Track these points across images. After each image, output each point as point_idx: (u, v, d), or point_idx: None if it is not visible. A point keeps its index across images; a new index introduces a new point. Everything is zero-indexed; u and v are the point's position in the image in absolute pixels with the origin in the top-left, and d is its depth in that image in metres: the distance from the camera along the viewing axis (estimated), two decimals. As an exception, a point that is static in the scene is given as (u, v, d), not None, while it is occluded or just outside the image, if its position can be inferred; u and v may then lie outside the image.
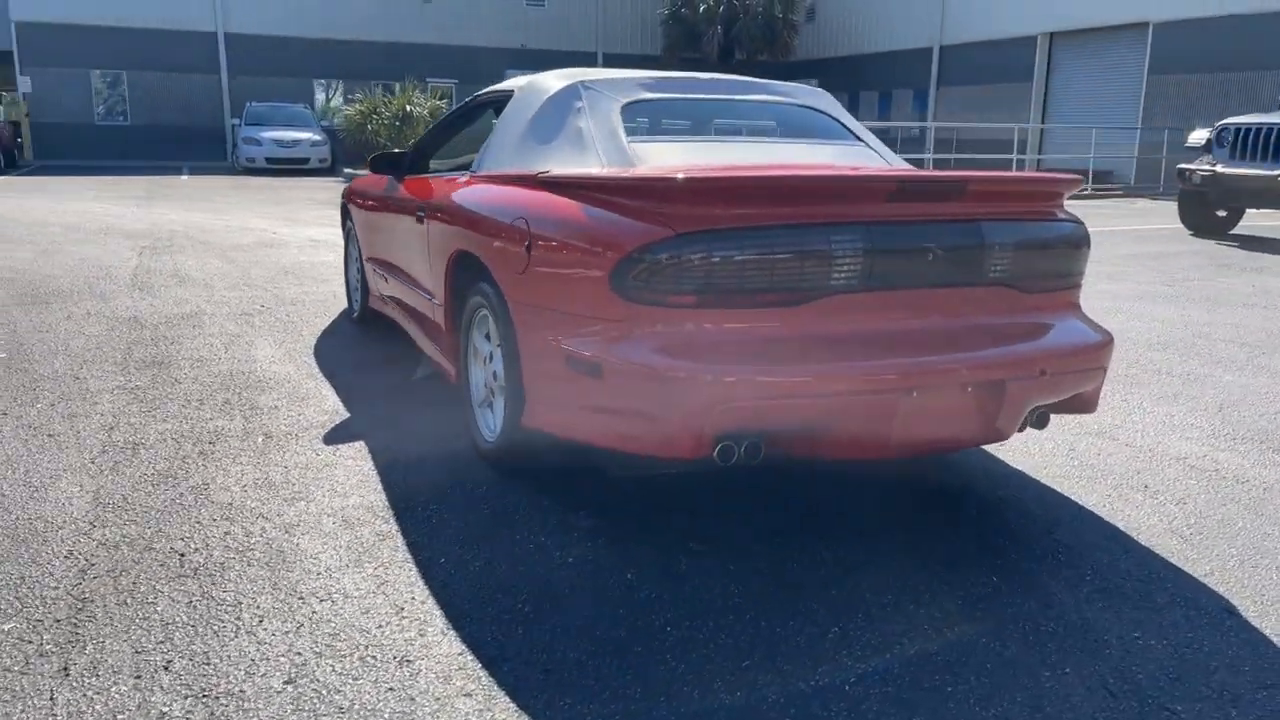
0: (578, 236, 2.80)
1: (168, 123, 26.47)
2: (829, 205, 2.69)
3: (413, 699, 2.09)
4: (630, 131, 3.46)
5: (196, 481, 3.28)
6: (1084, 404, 3.11)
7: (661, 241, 2.58)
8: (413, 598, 2.53)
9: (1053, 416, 4.00)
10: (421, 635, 2.35)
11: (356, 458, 3.54)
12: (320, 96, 27.66)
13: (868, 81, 29.73)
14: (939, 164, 25.37)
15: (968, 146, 24.59)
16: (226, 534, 2.88)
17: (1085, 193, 19.20)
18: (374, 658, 2.25)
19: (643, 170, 3.08)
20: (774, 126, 3.94)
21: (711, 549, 2.87)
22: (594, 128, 3.43)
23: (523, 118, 3.71)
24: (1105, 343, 3.06)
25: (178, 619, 2.39)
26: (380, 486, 3.27)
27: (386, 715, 2.03)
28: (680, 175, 2.62)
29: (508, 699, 2.10)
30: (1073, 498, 3.34)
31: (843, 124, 3.85)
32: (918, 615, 2.51)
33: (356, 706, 2.06)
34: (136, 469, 3.38)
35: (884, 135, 28.32)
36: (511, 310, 3.08)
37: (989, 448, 3.82)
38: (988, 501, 3.30)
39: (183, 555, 2.74)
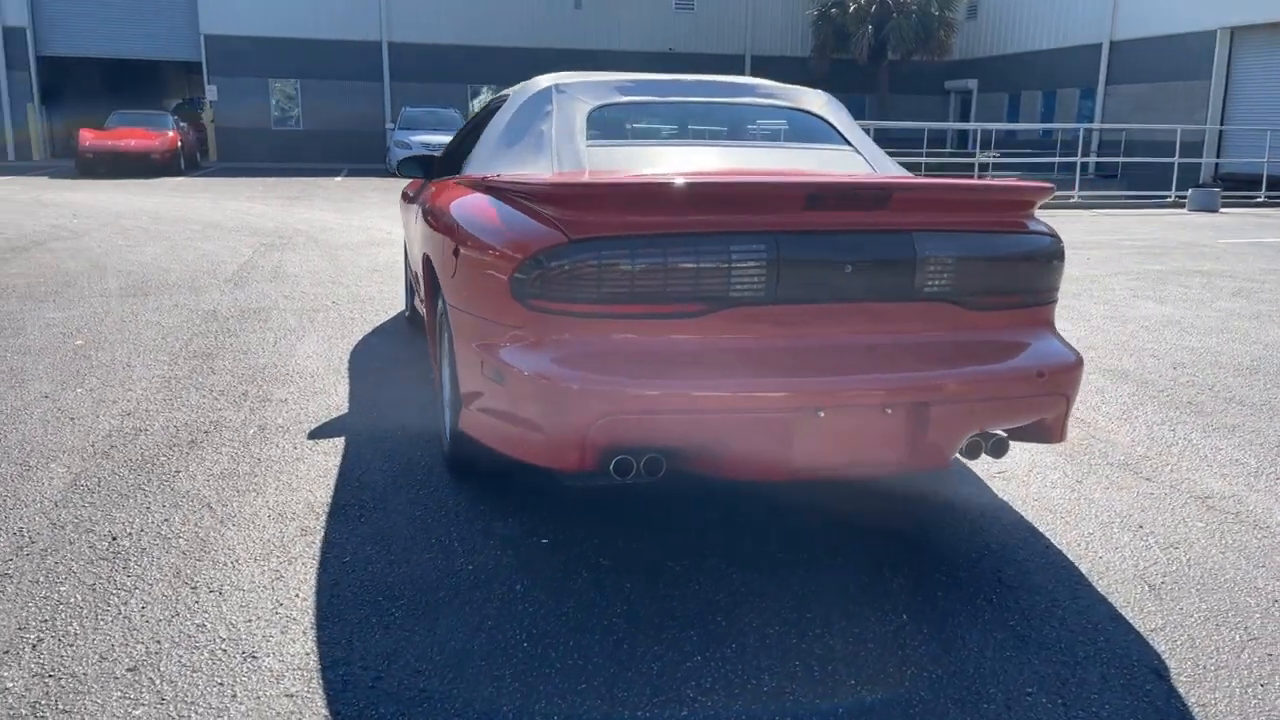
0: (489, 241, 2.78)
1: (335, 128, 28.06)
2: (732, 213, 2.56)
3: (234, 695, 2.13)
4: (596, 135, 3.41)
5: (170, 470, 3.45)
6: (1045, 432, 2.84)
7: (554, 248, 2.52)
8: (296, 595, 2.58)
9: (1060, 446, 3.73)
10: (282, 633, 2.39)
11: (328, 453, 3.64)
12: (474, 102, 28.63)
13: (1030, 80, 28.29)
14: (1101, 168, 23.87)
15: (1137, 149, 22.98)
16: (165, 522, 3.01)
17: (1257, 200, 17.61)
18: (224, 652, 2.30)
19: (551, 175, 3.03)
20: (756, 130, 3.79)
21: (619, 565, 2.78)
22: (556, 131, 3.40)
23: (503, 121, 3.72)
24: (1066, 367, 2.79)
25: (71, 600, 2.52)
26: (333, 483, 3.35)
27: (201, 709, 2.07)
28: (576, 180, 2.55)
29: (321, 703, 2.10)
30: (1046, 533, 3.06)
31: (835, 129, 3.66)
32: (794, 650, 2.36)
33: (178, 698, 2.11)
34: (125, 455, 3.59)
35: (1042, 137, 26.97)
36: (449, 314, 3.09)
37: (982, 475, 3.55)
38: (945, 532, 3.06)
39: (114, 539, 2.88)
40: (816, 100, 3.78)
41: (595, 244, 2.50)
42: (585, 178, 2.57)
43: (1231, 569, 2.84)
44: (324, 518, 3.06)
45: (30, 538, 2.88)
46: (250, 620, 2.44)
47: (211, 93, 27.59)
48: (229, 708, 2.08)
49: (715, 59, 30.18)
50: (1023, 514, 3.21)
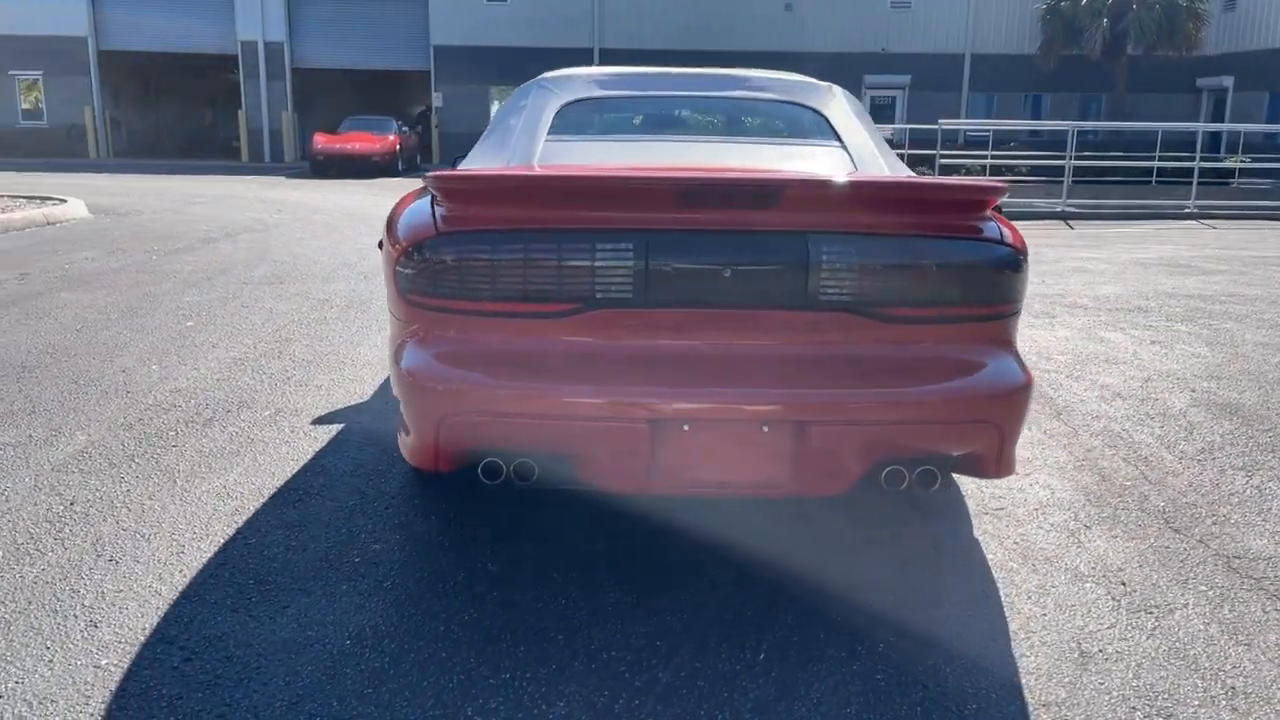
0: (390, 236, 2.76)
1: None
2: (600, 209, 2.41)
3: (52, 660, 2.22)
4: (561, 130, 3.32)
5: (168, 444, 3.68)
6: (978, 466, 2.49)
7: (425, 241, 2.47)
8: (179, 572, 2.66)
9: (1099, 486, 3.27)
10: (139, 608, 2.47)
11: (317, 439, 3.76)
12: (681, 105, 28.96)
13: (1297, 77, 25.18)
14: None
15: None
16: (125, 493, 3.21)
17: None
18: (74, 618, 2.41)
19: (457, 170, 2.95)
20: (738, 126, 3.54)
21: (504, 572, 2.69)
22: (522, 125, 3.34)
23: (495, 117, 3.70)
24: (1002, 393, 2.43)
25: (-10, 556, 2.74)
26: (297, 468, 3.45)
27: (15, 669, 2.18)
28: (451, 174, 2.49)
29: (119, 678, 2.16)
30: (999, 578, 2.68)
31: (829, 124, 3.37)
32: (614, 679, 2.18)
33: (2, 655, 2.23)
34: (144, 428, 3.86)
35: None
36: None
37: (975, 509, 3.16)
38: (872, 574, 2.75)
39: (72, 504, 3.10)
40: (816, 94, 3.50)
41: (459, 238, 2.43)
42: (465, 171, 2.49)
43: (1203, 642, 2.37)
44: (263, 500, 3.16)
45: (7, 496, 3.15)
46: (121, 592, 2.55)
47: (437, 99, 29.44)
48: (39, 670, 2.18)
49: (931, 58, 28.94)
50: (989, 559, 2.83)
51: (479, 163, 3.30)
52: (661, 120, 3.57)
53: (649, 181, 2.42)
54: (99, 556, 2.74)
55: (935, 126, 16.39)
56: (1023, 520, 3.11)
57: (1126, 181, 17.87)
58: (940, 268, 2.43)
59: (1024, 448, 3.80)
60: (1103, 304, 6.94)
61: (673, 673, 2.22)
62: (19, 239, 9.91)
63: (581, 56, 28.83)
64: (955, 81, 29.56)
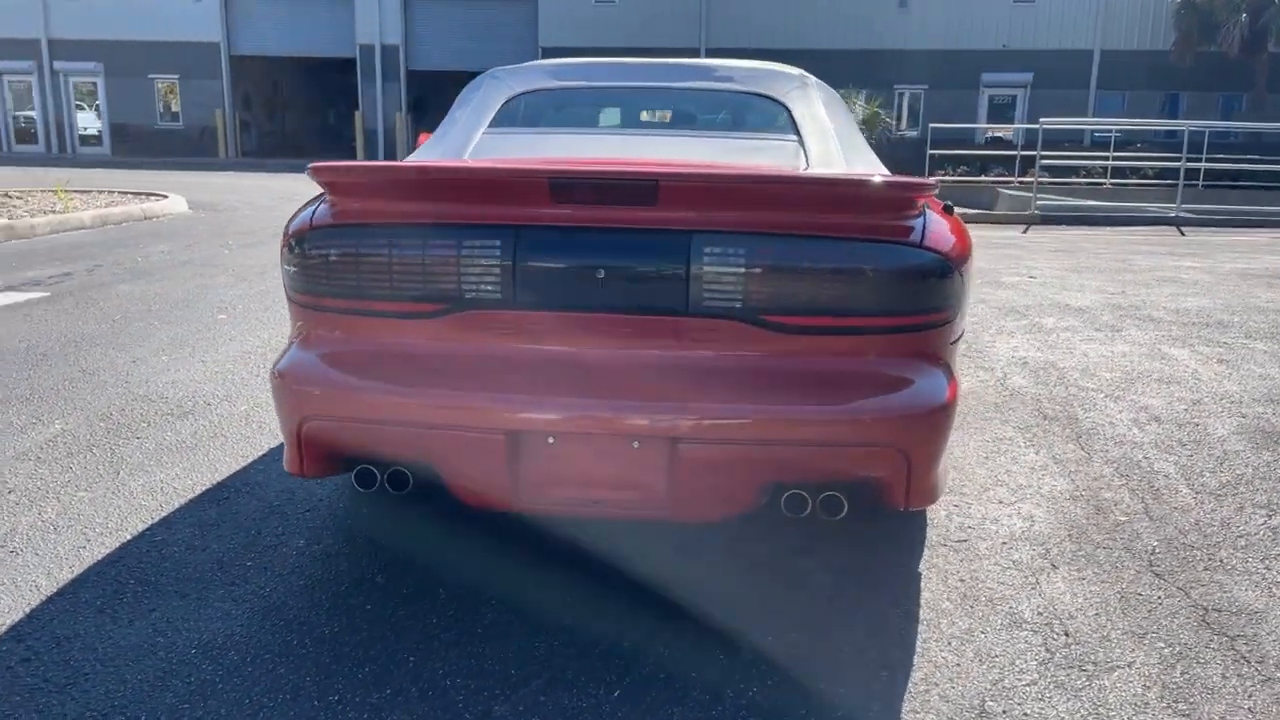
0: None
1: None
2: (469, 203, 2.25)
3: (-103, 652, 2.21)
4: (502, 122, 3.18)
5: (133, 434, 3.70)
6: (888, 495, 2.23)
7: (300, 236, 2.37)
8: (71, 569, 2.63)
9: (1089, 519, 2.94)
10: (11, 602, 2.45)
11: (275, 438, 3.72)
12: (788, 105, 28.48)
13: None
14: None
15: None
16: (66, 483, 3.22)
17: None
18: (-53, 609, 2.40)
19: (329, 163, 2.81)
20: (693, 118, 3.31)
21: (392, 585, 2.56)
22: (465, 118, 3.22)
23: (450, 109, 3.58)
24: (907, 414, 2.16)
25: (-96, 542, 2.76)
26: (236, 468, 3.40)
27: None
28: (323, 166, 2.37)
29: (-55, 674, 2.13)
30: (924, 619, 2.40)
31: (791, 117, 3.12)
32: (443, 707, 2.02)
33: None
34: (119, 419, 3.90)
35: None
36: None
37: (937, 537, 2.87)
38: (785, 598, 2.50)
39: (9, 491, 3.12)
40: (782, 85, 3.24)
41: (330, 232, 2.31)
42: (334, 164, 2.35)
43: (1132, 709, 2.05)
44: (191, 496, 3.12)
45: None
46: (3, 584, 2.53)
47: (545, 100, 29.78)
48: (-119, 663, 2.16)
49: (1056, 55, 27.64)
50: (925, 596, 2.54)
51: (419, 156, 3.19)
52: (609, 112, 3.39)
53: (518, 175, 2.24)
54: (2, 547, 2.73)
55: (1037, 126, 15.56)
56: (982, 555, 2.80)
57: (1258, 187, 16.59)
58: (841, 273, 2.18)
59: (1021, 474, 3.46)
60: (1180, 317, 6.38)
61: (510, 707, 2.04)
62: (111, 232, 10.40)
63: (687, 56, 28.73)
64: (1082, 80, 28.14)
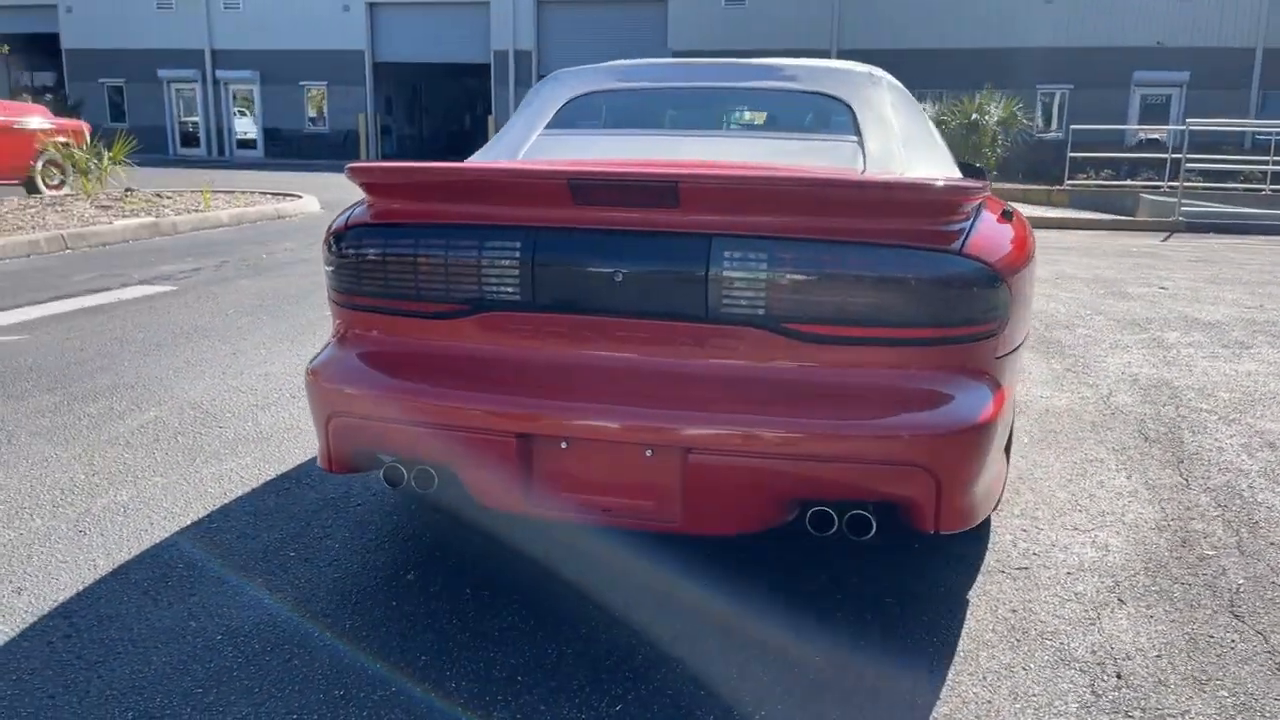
0: (336, 228, 2.73)
1: (781, 134, 28.87)
2: (491, 204, 2.24)
3: (-42, 622, 2.35)
4: (561, 124, 3.17)
5: (218, 424, 3.86)
6: (915, 517, 2.11)
7: (337, 235, 2.42)
8: (116, 552, 2.75)
9: (1169, 554, 2.73)
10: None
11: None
12: (925, 107, 27.67)
13: None
14: None
15: None
16: (147, 467, 3.38)
17: None
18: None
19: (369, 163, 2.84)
20: (755, 118, 3.20)
21: (421, 582, 2.58)
22: (524, 119, 3.22)
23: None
24: (935, 432, 2.03)
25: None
26: (304, 459, 3.51)
27: (-77, 627, 2.33)
28: (357, 166, 2.40)
29: (-7, 646, 2.25)
30: (962, 651, 2.25)
31: (854, 117, 2.99)
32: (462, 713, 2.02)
33: (-77, 613, 2.39)
34: (212, 407, 4.08)
35: None
36: None
37: (996, 562, 2.71)
38: (815, 620, 2.39)
39: (93, 474, 3.30)
40: (848, 84, 3.11)
41: (362, 232, 2.35)
42: (370, 165, 2.38)
43: (1176, 769, 1.87)
44: (257, 485, 3.23)
45: (47, 461, 3.41)
46: (65, 563, 2.66)
47: (674, 103, 29.86)
48: (-58, 631, 2.31)
49: (1214, 53, 25.93)
50: (969, 627, 2.39)
51: (477, 158, 3.21)
52: (668, 113, 3.33)
53: (538, 175, 2.22)
54: (73, 528, 2.89)
55: (1183, 127, 14.61)
56: (1043, 585, 2.61)
57: None
58: (869, 281, 2.07)
59: (1105, 499, 3.23)
60: (1324, 334, 5.86)
61: (509, 714, 2.02)
62: (245, 230, 10.96)
63: (817, 57, 28.27)
64: (1244, 79, 26.31)
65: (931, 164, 2.97)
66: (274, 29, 32.48)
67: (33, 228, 9.53)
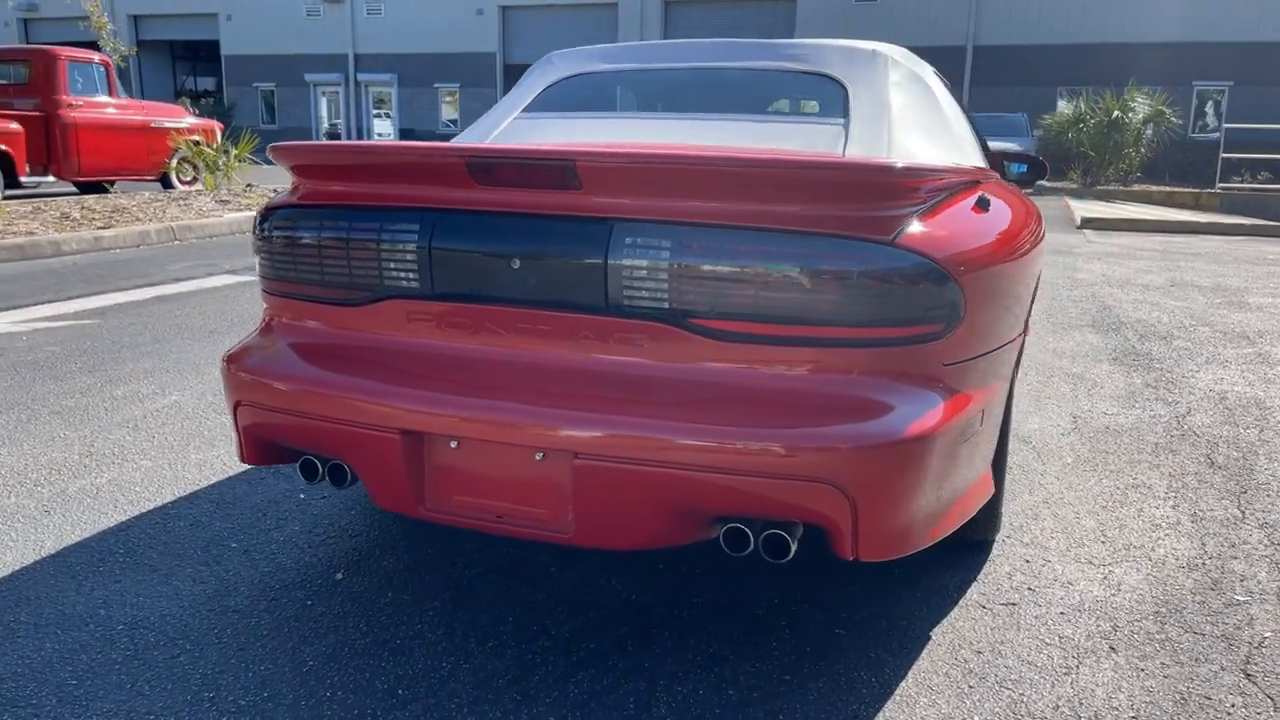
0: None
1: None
2: (393, 185, 2.10)
3: (-111, 595, 2.38)
4: (545, 106, 3.02)
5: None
6: (833, 541, 1.86)
7: (259, 217, 2.33)
8: (68, 534, 2.75)
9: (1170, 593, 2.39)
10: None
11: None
12: (1061, 105, 26.21)
13: None
14: None
15: None
16: (145, 450, 3.41)
17: None
18: (-43, 560, 2.57)
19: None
20: (742, 99, 2.93)
21: (350, 581, 2.47)
22: (507, 102, 3.09)
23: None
24: (848, 447, 1.78)
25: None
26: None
27: None
28: (273, 146, 2.30)
29: (-94, 622, 2.25)
30: (900, 696, 1.98)
31: (846, 98, 2.71)
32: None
33: None
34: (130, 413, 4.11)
35: None
36: None
37: (977, 597, 2.41)
38: (746, 653, 2.15)
39: (91, 454, 3.35)
40: (846, 64, 2.82)
41: (277, 214, 2.25)
42: (282, 144, 2.27)
43: None
44: (233, 474, 3.20)
45: (67, 441, 3.48)
46: (15, 541, 2.68)
47: (800, 103, 29.33)
48: None
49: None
50: (919, 667, 2.11)
51: (455, 141, 3.09)
52: (652, 95, 3.12)
53: (438, 154, 2.06)
54: (41, 508, 2.91)
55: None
56: (1025, 625, 2.30)
57: None
58: (785, 273, 1.82)
59: (1138, 530, 2.86)
60: None
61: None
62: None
63: (953, 55, 27.23)
64: None
65: (937, 148, 2.67)
66: (411, 33, 33.55)
67: (150, 219, 10.04)
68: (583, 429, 1.88)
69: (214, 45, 36.72)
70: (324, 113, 36.30)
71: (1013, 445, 3.60)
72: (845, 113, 2.66)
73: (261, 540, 2.70)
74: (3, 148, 12.00)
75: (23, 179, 12.31)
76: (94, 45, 14.76)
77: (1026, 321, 2.51)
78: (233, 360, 2.28)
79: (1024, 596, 2.44)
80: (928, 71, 3.05)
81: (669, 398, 1.89)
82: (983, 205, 2.18)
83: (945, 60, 27.20)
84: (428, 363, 2.07)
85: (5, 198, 11.23)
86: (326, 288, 2.17)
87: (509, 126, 2.91)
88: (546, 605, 2.35)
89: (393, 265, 2.07)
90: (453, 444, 2.00)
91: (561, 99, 3.02)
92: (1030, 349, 5.24)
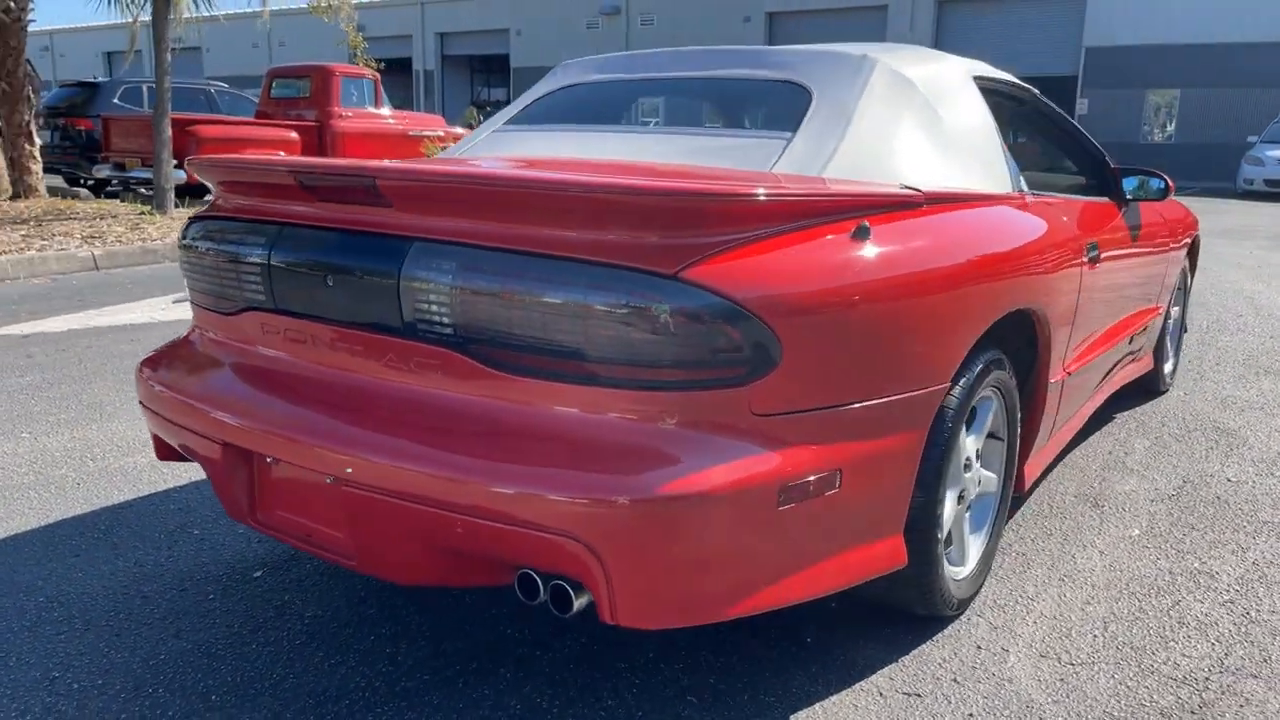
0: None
1: (1214, 139, 24.85)
2: (257, 199, 2.14)
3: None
4: (527, 119, 2.96)
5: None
6: (595, 600, 1.68)
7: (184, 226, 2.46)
8: (45, 515, 3.02)
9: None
10: None
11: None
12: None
13: None
14: None
15: None
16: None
17: None
18: (-23, 521, 2.91)
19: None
20: (707, 111, 2.67)
21: (268, 580, 2.55)
22: (501, 113, 3.07)
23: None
24: (594, 501, 1.60)
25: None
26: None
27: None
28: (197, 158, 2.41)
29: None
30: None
31: (805, 109, 2.43)
32: None
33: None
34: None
35: None
36: None
37: (884, 690, 2.11)
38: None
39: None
40: (825, 71, 2.52)
41: (190, 226, 2.36)
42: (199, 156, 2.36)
43: None
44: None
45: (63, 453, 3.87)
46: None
47: (1082, 106, 26.97)
48: (-114, 553, 2.70)
49: None
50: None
51: (445, 154, 3.11)
52: (628, 108, 2.94)
53: (277, 169, 2.05)
54: (65, 483, 3.23)
55: None
56: (963, 679, 1.96)
57: None
58: (557, 304, 1.67)
59: (1147, 633, 2.37)
60: None
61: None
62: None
63: (1269, 53, 23.97)
64: None
65: (916, 167, 2.34)
66: (686, 40, 34.32)
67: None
68: (352, 454, 1.81)
69: (505, 59, 39.43)
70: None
71: (1079, 507, 3.10)
72: (796, 125, 2.39)
73: (222, 530, 2.85)
74: (281, 154, 13.57)
75: (298, 182, 13.83)
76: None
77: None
78: (144, 359, 2.41)
79: (983, 660, 2.09)
80: (948, 81, 2.68)
81: (445, 429, 1.79)
82: (861, 234, 1.88)
83: (1260, 57, 23.99)
84: (260, 376, 2.10)
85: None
86: (206, 295, 2.25)
87: (484, 141, 2.88)
88: (419, 629, 2.30)
89: (248, 277, 2.11)
90: (269, 460, 2.00)
91: (548, 110, 2.95)
92: (1178, 394, 4.49)
